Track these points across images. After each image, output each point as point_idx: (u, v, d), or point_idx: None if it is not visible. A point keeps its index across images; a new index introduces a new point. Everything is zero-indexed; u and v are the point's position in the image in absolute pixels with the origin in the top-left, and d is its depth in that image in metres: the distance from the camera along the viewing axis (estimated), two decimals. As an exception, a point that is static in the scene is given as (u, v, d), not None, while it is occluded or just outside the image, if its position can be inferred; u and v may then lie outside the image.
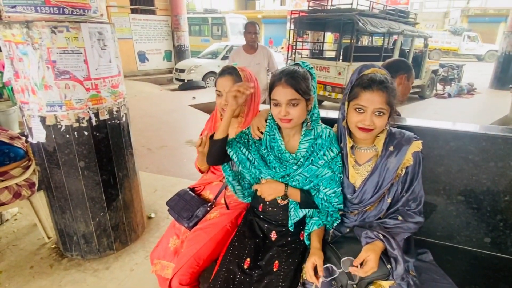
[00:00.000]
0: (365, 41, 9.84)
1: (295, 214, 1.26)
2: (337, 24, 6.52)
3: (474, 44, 19.18)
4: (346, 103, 1.16)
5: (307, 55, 8.31)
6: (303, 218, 1.27)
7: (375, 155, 1.19)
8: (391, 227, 1.14)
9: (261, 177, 1.27)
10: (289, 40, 7.43)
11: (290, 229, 1.28)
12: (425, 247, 1.36)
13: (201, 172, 1.60)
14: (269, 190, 1.23)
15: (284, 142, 1.23)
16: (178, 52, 11.12)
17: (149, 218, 2.52)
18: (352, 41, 5.99)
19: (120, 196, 2.05)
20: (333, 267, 1.07)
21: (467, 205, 1.36)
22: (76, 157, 1.80)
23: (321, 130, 1.21)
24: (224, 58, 9.42)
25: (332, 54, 8.22)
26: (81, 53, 1.66)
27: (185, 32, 11.12)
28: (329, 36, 11.63)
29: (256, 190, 1.26)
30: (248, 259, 1.22)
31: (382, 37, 6.85)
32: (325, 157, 1.18)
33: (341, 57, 6.66)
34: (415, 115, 6.23)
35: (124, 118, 1.99)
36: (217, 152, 1.25)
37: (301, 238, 1.28)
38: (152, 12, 10.48)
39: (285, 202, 1.27)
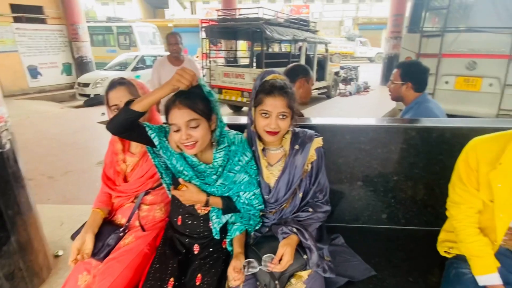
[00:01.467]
0: (275, 48, 10.49)
1: (218, 221, 1.25)
2: (247, 32, 6.81)
3: (366, 48, 22.29)
4: (253, 108, 1.21)
5: (222, 63, 8.44)
6: (225, 225, 1.27)
7: (284, 155, 1.26)
8: (304, 219, 1.23)
9: (181, 176, 1.22)
10: (202, 49, 7.43)
11: (215, 237, 1.25)
12: (337, 231, 1.50)
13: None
14: (190, 197, 1.18)
15: (200, 156, 1.21)
16: (79, 65, 9.97)
17: (56, 256, 2.18)
18: (263, 48, 6.32)
19: (13, 238, 1.72)
20: (254, 261, 1.10)
21: (365, 189, 1.55)
22: None
23: (233, 136, 1.23)
24: (136, 69, 8.88)
25: (247, 61, 8.53)
26: None
27: (86, 42, 10.06)
28: (243, 44, 12.06)
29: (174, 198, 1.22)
30: (172, 279, 1.15)
31: (290, 44, 7.41)
32: (240, 163, 1.20)
33: (254, 64, 6.97)
34: (324, 112, 6.89)
35: (7, 146, 1.69)
36: (125, 123, 1.09)
37: (224, 246, 1.27)
38: (42, 21, 9.21)
39: (206, 211, 1.25)
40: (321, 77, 8.42)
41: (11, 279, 1.73)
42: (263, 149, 1.27)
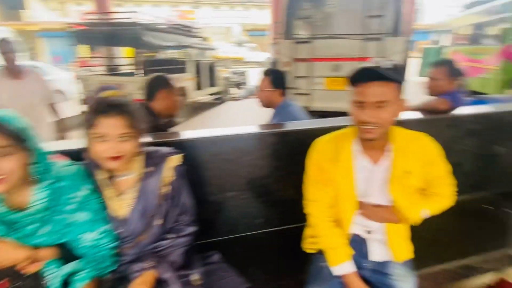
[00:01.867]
0: (162, 54, 10.07)
1: (57, 278, 1.01)
2: (124, 38, 6.26)
3: (255, 53, 23.68)
4: (86, 132, 1.02)
5: (103, 72, 7.59)
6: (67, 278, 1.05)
7: (137, 180, 1.13)
8: (164, 248, 1.12)
9: None
10: (77, 56, 6.53)
11: None
12: (214, 248, 1.45)
13: None
14: (5, 258, 0.93)
15: (10, 199, 0.95)
16: None
17: None
18: (148, 55, 5.93)
19: None
20: None
21: (238, 198, 1.55)
22: None
23: (61, 169, 1.01)
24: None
25: (130, 69, 7.89)
26: None
27: None
28: (129, 50, 11.17)
29: None
30: None
31: (176, 50, 7.19)
32: (73, 200, 1.00)
33: (138, 72, 6.49)
34: (219, 118, 6.94)
35: None
36: None
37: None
38: None
39: (37, 267, 1.00)
40: (212, 82, 8.48)
41: None
42: (109, 177, 1.10)
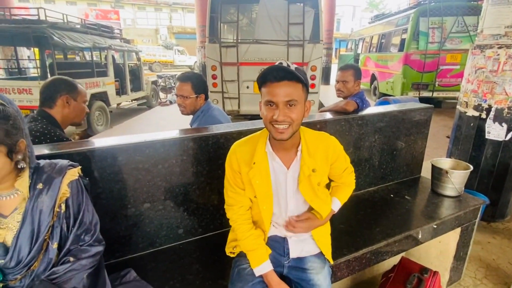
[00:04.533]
0: (77, 56, 9.09)
1: None
2: (27, 37, 5.47)
3: (184, 57, 23.09)
4: None
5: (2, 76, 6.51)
6: None
7: (22, 200, 0.96)
8: (62, 274, 0.97)
9: None
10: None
11: None
12: (131, 265, 1.33)
13: None
14: None
15: None
16: None
17: None
18: (56, 57, 5.25)
19: None
20: None
21: (154, 209, 1.45)
22: None
23: None
24: None
25: (37, 72, 6.93)
26: None
27: None
28: (37, 51, 9.79)
29: None
30: None
31: (93, 52, 6.56)
32: None
33: (47, 75, 5.72)
34: (146, 123, 6.53)
35: None
36: None
37: None
38: None
39: None
40: (136, 87, 7.98)
41: None
42: None
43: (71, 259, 1.01)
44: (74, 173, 1.04)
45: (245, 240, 1.22)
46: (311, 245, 1.30)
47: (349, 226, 1.69)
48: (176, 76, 1.99)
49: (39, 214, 0.96)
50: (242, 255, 1.27)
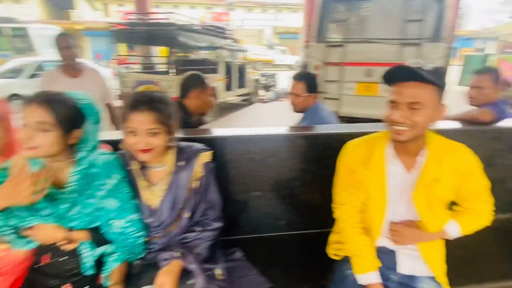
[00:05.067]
0: (194, 54, 10.34)
1: (91, 255, 1.08)
2: (160, 38, 6.51)
3: (285, 56, 23.64)
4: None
5: (139, 69, 7.94)
6: (101, 258, 1.11)
7: (168, 172, 1.16)
8: (191, 240, 1.15)
9: (27, 225, 1.02)
10: (117, 54, 6.90)
11: (87, 274, 1.08)
12: (237, 245, 1.46)
13: None
14: (45, 235, 1.02)
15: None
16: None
17: None
18: (181, 55, 6.13)
19: None
20: None
21: (262, 198, 1.55)
22: None
23: (96, 157, 1.07)
24: (33, 76, 7.73)
25: (164, 67, 8.18)
26: None
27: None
28: (163, 50, 11.61)
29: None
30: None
31: (210, 51, 7.37)
32: (104, 187, 1.05)
33: (171, 71, 6.72)
34: (247, 117, 7.00)
35: None
36: None
37: (99, 283, 1.10)
38: None
39: (73, 246, 1.07)
40: (241, 84, 8.57)
41: None
42: (143, 167, 1.15)
43: (198, 229, 1.18)
44: (207, 156, 1.21)
45: (352, 244, 1.19)
46: (423, 266, 1.18)
47: (470, 254, 1.46)
48: (292, 75, 2.06)
49: (179, 187, 1.15)
50: (346, 259, 1.24)
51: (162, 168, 1.16)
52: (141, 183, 1.14)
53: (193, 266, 1.05)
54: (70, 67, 2.50)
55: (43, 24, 13.80)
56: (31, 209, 1.02)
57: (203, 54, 9.01)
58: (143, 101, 1.03)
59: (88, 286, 1.09)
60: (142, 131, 1.02)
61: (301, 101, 1.96)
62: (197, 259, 1.09)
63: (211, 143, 1.41)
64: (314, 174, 1.56)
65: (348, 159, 1.20)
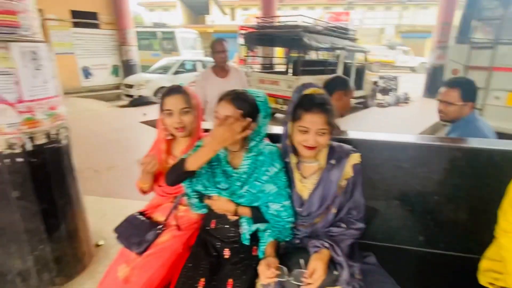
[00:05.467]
0: (312, 55, 10.43)
1: (248, 228, 1.29)
2: (285, 39, 6.84)
3: (408, 57, 21.36)
4: (290, 123, 1.23)
5: (258, 69, 8.56)
6: (255, 233, 1.30)
7: (319, 168, 1.27)
8: (336, 235, 1.22)
9: (208, 193, 1.29)
10: (241, 55, 7.63)
11: (244, 243, 1.29)
12: (369, 250, 1.46)
13: (143, 192, 1.53)
14: (221, 206, 1.27)
15: (230, 158, 1.27)
16: (126, 67, 10.69)
17: (98, 246, 2.35)
18: (300, 56, 6.33)
19: (63, 225, 1.89)
20: (285, 269, 1.11)
21: (402, 208, 1.50)
22: (8, 187, 1.63)
23: (263, 147, 1.26)
24: (177, 72, 9.31)
25: (282, 68, 8.57)
26: (12, 74, 1.54)
27: (133, 46, 10.78)
28: (279, 50, 12.19)
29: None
30: (203, 279, 1.20)
31: (327, 52, 7.35)
32: (267, 173, 1.23)
33: (290, 71, 7.00)
34: (360, 122, 6.72)
35: (64, 141, 1.87)
36: (182, 179, 1.27)
37: (254, 254, 1.30)
38: (96, 26, 10.00)
39: (237, 217, 1.30)
40: (358, 86, 8.22)
41: (59, 263, 1.90)
42: (298, 162, 1.29)
43: (343, 225, 1.25)
44: (356, 158, 1.26)
45: None
46: None
47: None
48: (445, 80, 1.90)
49: (329, 183, 1.24)
50: (505, 292, 1.11)
51: (314, 164, 1.27)
52: (295, 175, 1.27)
53: (340, 259, 1.12)
54: (221, 68, 2.86)
55: (184, 28, 16.29)
56: (213, 181, 1.28)
57: (321, 55, 9.01)
58: (317, 103, 1.15)
59: (243, 255, 1.29)
60: (313, 131, 1.15)
61: (453, 110, 1.78)
62: (343, 253, 1.16)
63: (357, 145, 1.45)
64: (467, 192, 1.42)
65: None
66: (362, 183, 1.31)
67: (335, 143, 1.30)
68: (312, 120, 1.14)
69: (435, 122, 6.77)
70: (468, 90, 1.76)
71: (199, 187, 1.31)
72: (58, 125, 1.80)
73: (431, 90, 10.25)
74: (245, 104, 1.18)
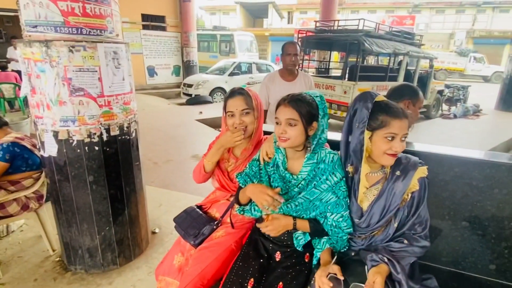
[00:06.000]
0: (370, 60, 9.96)
1: (303, 240, 1.28)
2: (344, 44, 6.66)
3: (480, 65, 19.29)
4: (368, 132, 1.15)
5: (313, 73, 8.45)
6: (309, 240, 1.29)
7: (383, 178, 1.21)
8: (397, 251, 1.15)
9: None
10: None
11: (297, 248, 1.29)
12: (430, 272, 1.35)
13: (203, 174, 1.53)
14: (278, 227, 1.24)
15: (289, 164, 1.27)
16: (187, 68, 11.41)
17: (153, 233, 2.52)
18: (358, 60, 6.10)
19: (126, 210, 2.07)
20: (340, 280, 1.08)
21: (472, 231, 1.36)
22: (85, 172, 1.84)
23: (325, 155, 1.23)
24: (232, 74, 9.63)
25: (338, 72, 8.34)
26: (96, 71, 1.73)
27: (194, 48, 11.44)
28: (335, 55, 11.88)
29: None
30: (252, 280, 1.22)
31: (388, 57, 6.97)
32: (328, 182, 1.20)
33: (346, 76, 6.77)
34: (422, 134, 6.23)
35: (134, 134, 2.04)
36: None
37: (306, 260, 1.28)
38: (163, 29, 10.82)
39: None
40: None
41: (121, 244, 2.08)
42: (356, 171, 1.24)
43: (405, 241, 1.17)
44: (423, 171, 1.18)
45: None
46: None
47: None
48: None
49: (392, 195, 1.17)
50: None
51: (378, 174, 1.21)
52: (361, 187, 1.21)
53: (400, 277, 1.06)
54: (289, 72, 2.71)
55: (242, 31, 16.76)
56: (270, 186, 1.29)
57: (383, 60, 8.57)
58: (400, 110, 1.12)
59: (295, 260, 1.28)
60: (399, 137, 1.11)
61: None
62: (403, 271, 1.09)
63: (424, 158, 1.36)
64: (554, 221, 1.24)
65: None
66: (428, 198, 1.22)
67: (401, 154, 1.23)
68: (401, 126, 1.10)
69: (509, 138, 6.02)
70: None
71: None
72: (130, 119, 1.98)
73: (506, 102, 9.11)
74: (304, 105, 1.17)
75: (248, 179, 1.35)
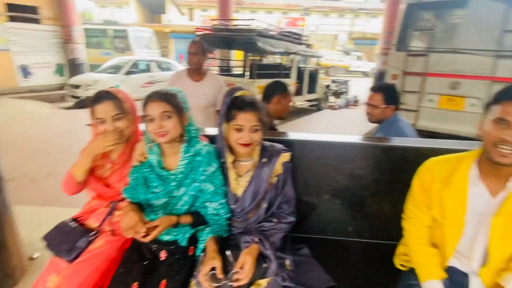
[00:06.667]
0: (269, 59, 10.66)
1: (188, 232, 1.30)
2: (241, 43, 6.93)
3: (361, 63, 22.72)
4: (225, 123, 1.27)
5: (217, 72, 8.55)
6: (193, 234, 1.32)
7: (253, 166, 1.33)
8: (267, 229, 1.30)
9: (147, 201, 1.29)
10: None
11: (181, 244, 1.30)
12: (304, 242, 1.56)
13: (73, 185, 1.42)
14: (165, 226, 1.22)
15: (166, 162, 1.28)
16: (72, 66, 10.01)
17: (32, 259, 2.19)
18: (256, 59, 6.48)
19: (-14, 237, 1.74)
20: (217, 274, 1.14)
21: (332, 202, 1.62)
22: None
23: (201, 147, 1.29)
24: (129, 73, 8.93)
25: (240, 70, 8.65)
26: None
27: (80, 44, 10.13)
28: (238, 53, 12.27)
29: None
30: (136, 284, 1.19)
31: (282, 56, 7.60)
32: (205, 173, 1.26)
33: (247, 74, 7.12)
34: (314, 123, 7.02)
35: (-14, 146, 1.72)
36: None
37: (190, 253, 1.32)
38: (36, 21, 9.23)
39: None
40: (312, 89, 8.58)
41: (-17, 279, 1.74)
42: (234, 161, 1.34)
43: (274, 220, 1.32)
44: (286, 156, 1.35)
45: (417, 253, 1.22)
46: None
47: None
48: (370, 86, 2.09)
49: (260, 180, 1.31)
50: (413, 271, 1.26)
51: (249, 162, 1.34)
52: (231, 174, 1.32)
53: (269, 252, 1.19)
54: (195, 72, 2.65)
55: (138, 26, 15.68)
56: (148, 187, 1.28)
57: (277, 59, 9.25)
58: (248, 102, 1.22)
59: (179, 256, 1.30)
60: (247, 128, 1.22)
61: (377, 112, 1.97)
62: (272, 247, 1.23)
63: (291, 145, 1.55)
64: (387, 186, 1.58)
65: (427, 176, 1.21)
66: (294, 179, 1.40)
67: (267, 143, 1.38)
68: (246, 118, 1.21)
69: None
70: (390, 95, 1.96)
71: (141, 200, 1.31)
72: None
73: (377, 93, 11.02)
74: (172, 97, 1.22)
75: (133, 191, 1.32)
